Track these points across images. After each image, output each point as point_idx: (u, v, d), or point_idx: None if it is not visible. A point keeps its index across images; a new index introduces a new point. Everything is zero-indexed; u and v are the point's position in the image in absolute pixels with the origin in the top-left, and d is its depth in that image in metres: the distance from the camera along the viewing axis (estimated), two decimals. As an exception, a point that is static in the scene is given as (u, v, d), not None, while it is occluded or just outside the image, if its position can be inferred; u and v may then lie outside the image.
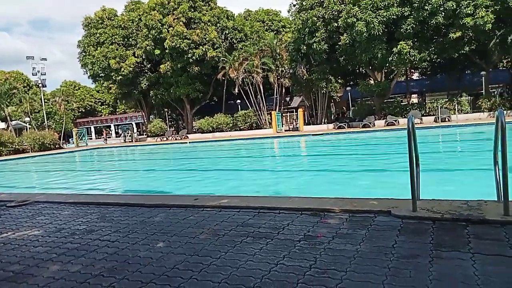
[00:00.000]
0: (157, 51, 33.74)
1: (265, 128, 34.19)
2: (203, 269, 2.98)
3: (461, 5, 23.32)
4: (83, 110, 68.33)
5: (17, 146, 30.91)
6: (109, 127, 66.66)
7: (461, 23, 23.50)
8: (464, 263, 2.67)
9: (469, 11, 23.20)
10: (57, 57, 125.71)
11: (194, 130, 39.35)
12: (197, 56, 32.52)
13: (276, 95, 35.36)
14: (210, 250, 3.42)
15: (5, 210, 6.22)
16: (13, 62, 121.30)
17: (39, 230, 4.68)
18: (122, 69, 34.76)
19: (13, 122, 45.29)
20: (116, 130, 63.91)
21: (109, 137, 41.05)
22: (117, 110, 70.15)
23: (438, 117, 25.83)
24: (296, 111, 34.37)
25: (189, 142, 30.71)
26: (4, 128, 40.62)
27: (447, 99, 29.19)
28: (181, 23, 32.62)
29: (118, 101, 50.52)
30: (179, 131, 39.36)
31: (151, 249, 3.58)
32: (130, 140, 39.48)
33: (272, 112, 33.38)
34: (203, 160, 18.76)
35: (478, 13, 22.86)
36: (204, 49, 32.70)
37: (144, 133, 43.61)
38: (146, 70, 38.48)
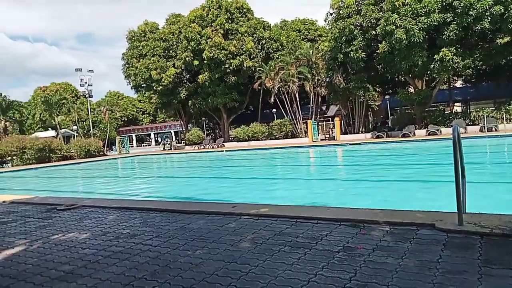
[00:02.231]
0: (196, 62, 34.73)
1: (301, 137, 33.99)
2: (242, 277, 3.01)
3: (509, 8, 22.14)
4: (126, 119, 71.36)
5: (65, 153, 32.75)
6: (149, 135, 69.08)
7: (509, 27, 22.29)
8: (516, 281, 2.52)
9: (519, 15, 21.98)
10: (101, 69, 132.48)
11: (230, 138, 39.87)
12: (234, 66, 33.11)
13: (312, 104, 35.13)
14: (248, 258, 3.45)
15: (55, 213, 6.61)
16: (62, 75, 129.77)
17: (87, 233, 4.94)
18: (163, 80, 36.04)
19: (62, 130, 48.16)
20: (156, 138, 66.08)
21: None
22: (157, 119, 72.65)
23: (484, 127, 24.50)
24: (333, 120, 33.92)
25: (226, 151, 31.14)
26: (54, 136, 43.24)
27: (493, 108, 27.62)
28: (219, 34, 33.42)
29: (158, 110, 52.42)
30: (216, 139, 40.04)
31: (191, 255, 3.67)
32: (169, 148, 40.66)
33: (308, 121, 33.15)
34: (240, 168, 18.94)
35: (529, 16, 21.60)
36: (241, 59, 33.24)
37: (183, 141, 44.76)
38: (185, 81, 39.62)
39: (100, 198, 9.36)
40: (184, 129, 45.36)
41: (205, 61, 33.84)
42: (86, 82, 47.48)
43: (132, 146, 63.53)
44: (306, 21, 44.15)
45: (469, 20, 22.88)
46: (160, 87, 36.76)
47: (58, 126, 47.36)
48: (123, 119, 70.48)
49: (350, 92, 31.51)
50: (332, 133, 33.42)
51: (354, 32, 27.18)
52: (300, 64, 34.07)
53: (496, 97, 32.02)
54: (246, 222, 4.83)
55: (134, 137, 69.12)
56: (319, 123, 37.28)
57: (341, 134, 32.19)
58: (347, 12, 28.10)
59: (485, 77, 32.90)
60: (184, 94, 37.94)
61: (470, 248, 3.22)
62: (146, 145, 67.59)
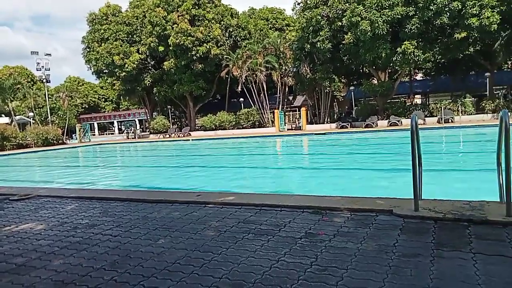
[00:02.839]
0: (161, 48, 33.78)
1: (268, 127, 34.18)
2: (204, 265, 2.99)
3: (466, 5, 23.18)
4: (87, 106, 68.59)
5: (20, 141, 31.05)
6: (112, 123, 66.88)
7: (466, 23, 23.38)
8: (465, 262, 2.67)
9: (475, 12, 23.08)
10: (60, 53, 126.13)
11: (197, 127, 39.40)
12: (201, 53, 32.53)
13: (279, 93, 35.34)
14: (211, 246, 3.44)
15: (8, 203, 6.25)
16: (16, 57, 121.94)
17: (42, 223, 4.71)
18: (126, 66, 34.82)
19: (17, 117, 45.51)
20: (119, 127, 64.10)
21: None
22: (121, 106, 70.35)
23: (442, 118, 25.74)
24: (299, 110, 34.33)
25: (192, 140, 30.76)
26: (7, 123, 40.81)
27: (450, 100, 29.04)
28: (185, 20, 32.62)
29: (121, 97, 50.65)
30: (182, 128, 39.41)
31: (152, 244, 3.59)
32: (133, 136, 39.60)
33: (275, 110, 33.35)
34: (205, 157, 18.80)
35: (484, 13, 22.73)
36: (208, 47, 32.70)
37: (147, 130, 43.72)
38: (150, 67, 38.50)
39: (57, 187, 8.96)
40: (148, 118, 44.26)
41: (170, 48, 32.98)
42: (43, 66, 44.90)
43: (94, 135, 61.31)
44: (274, 10, 44.04)
45: (429, 14, 23.74)
46: (123, 73, 35.50)
47: (12, 112, 44.65)
48: (84, 106, 67.68)
49: (316, 82, 31.97)
50: (299, 123, 33.85)
51: (321, 23, 27.45)
52: (267, 53, 34.05)
53: (453, 90, 33.72)
54: (210, 210, 4.79)
55: (96, 125, 66.67)
56: (286, 113, 37.62)
57: (307, 124, 32.68)
58: (314, 2, 28.29)
59: (443, 71, 34.47)
60: (148, 81, 36.91)
61: (424, 232, 3.37)
62: (109, 134, 65.47)
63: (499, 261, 2.65)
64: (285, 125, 34.18)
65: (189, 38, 32.04)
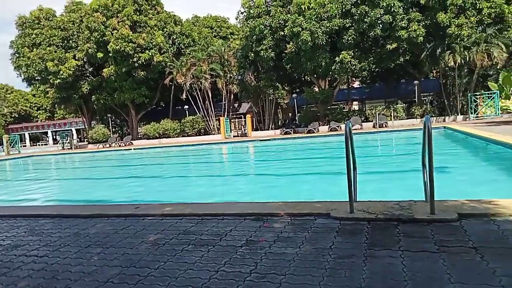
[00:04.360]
0: (100, 54, 32.22)
1: (214, 134, 33.99)
2: (140, 281, 2.85)
3: (396, 18, 25.07)
4: (17, 116, 63.32)
5: None
6: (46, 133, 62.38)
7: (396, 35, 25.28)
8: (394, 260, 2.81)
9: (403, 25, 25.06)
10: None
11: (139, 136, 38.02)
12: (143, 60, 31.55)
13: (225, 101, 35.36)
14: (148, 260, 3.29)
15: None
16: None
17: (-45, 247, 4.20)
18: (61, 72, 32.70)
19: None
20: (54, 137, 59.95)
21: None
22: (55, 115, 65.84)
23: (376, 123, 27.38)
24: (245, 117, 34.57)
25: (134, 149, 29.60)
26: None
27: (384, 106, 31.03)
28: (126, 26, 31.50)
29: (56, 106, 47.34)
30: (123, 137, 37.80)
31: (83, 263, 3.36)
32: (69, 147, 37.15)
33: (221, 118, 33.27)
34: (148, 167, 18.17)
35: (411, 26, 24.76)
36: (150, 54, 31.81)
37: (85, 139, 41.32)
38: (88, 74, 36.53)
39: (-21, 206, 8.09)
40: (87, 127, 41.87)
41: (110, 54, 31.58)
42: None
43: (25, 146, 56.70)
44: (218, 18, 44.14)
45: (364, 26, 25.29)
46: (58, 80, 33.27)
47: None
48: (13, 116, 62.39)
49: (260, 90, 32.49)
50: (244, 130, 34.07)
51: (264, 32, 28.02)
52: (212, 61, 33.98)
53: (387, 97, 36.08)
54: (149, 223, 4.61)
55: (27, 136, 61.70)
56: (232, 120, 37.68)
57: (252, 130, 32.99)
58: (257, 12, 28.83)
59: (377, 79, 36.86)
60: (86, 88, 34.97)
61: (358, 233, 3.52)
62: (42, 144, 60.85)
63: (424, 257, 2.83)
64: (231, 132, 34.21)
65: (130, 44, 30.95)
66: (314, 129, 28.59)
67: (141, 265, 3.20)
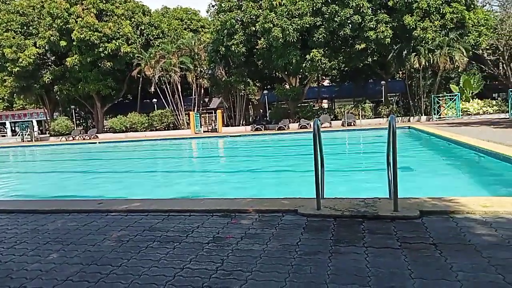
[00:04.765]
0: (63, 43, 30.77)
1: (183, 129, 33.48)
2: (101, 279, 2.75)
3: (365, 19, 25.66)
4: (-30, 105, 59.50)
5: None
6: (4, 124, 59.09)
7: (365, 35, 25.86)
8: (358, 256, 2.87)
9: (372, 26, 25.69)
10: None
11: (105, 129, 36.79)
12: (109, 50, 30.45)
13: (195, 95, 34.86)
14: (111, 258, 3.18)
15: None
16: None
17: None
18: (20, 60, 30.96)
19: None
20: (13, 128, 56.92)
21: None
22: (14, 105, 62.41)
23: (345, 122, 27.99)
24: (215, 112, 34.27)
25: (99, 142, 28.63)
26: None
27: (353, 105, 31.75)
28: (91, 14, 30.27)
29: (15, 95, 44.88)
30: (88, 130, 36.44)
31: (41, 261, 3.20)
32: (30, 139, 35.39)
33: (190, 112, 32.80)
34: (113, 161, 17.63)
35: (379, 28, 25.42)
36: (117, 44, 30.76)
37: (47, 132, 39.51)
38: (50, 63, 34.85)
39: None
40: (49, 118, 40.02)
41: (74, 43, 30.24)
42: None
43: (-20, 137, 53.43)
44: (189, 10, 43.31)
45: (334, 25, 25.68)
46: (17, 68, 31.48)
47: None
48: (-34, 105, 58.59)
49: (231, 85, 32.29)
50: (215, 125, 33.80)
51: (235, 27, 27.83)
52: (182, 54, 33.35)
53: (355, 96, 36.92)
54: (113, 219, 4.46)
55: (-18, 126, 58.18)
56: (202, 115, 37.24)
57: (223, 126, 32.79)
58: (228, 6, 28.57)
59: (347, 78, 37.62)
60: (48, 78, 33.34)
61: (325, 230, 3.57)
62: (0, 136, 57.58)
63: (387, 253, 2.91)
64: (201, 127, 33.83)
65: (96, 33, 29.78)
66: (285, 126, 28.82)
67: (103, 262, 3.09)
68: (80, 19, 29.78)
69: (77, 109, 38.55)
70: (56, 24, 30.17)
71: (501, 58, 33.35)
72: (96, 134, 33.73)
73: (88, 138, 32.80)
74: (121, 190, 8.98)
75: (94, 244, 3.57)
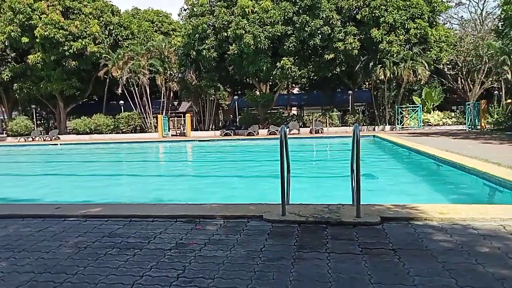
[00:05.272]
0: (25, 39, 29.42)
1: (150, 132, 32.80)
2: (54, 288, 2.61)
3: (334, 30, 26.39)
4: None
5: None
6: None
7: (334, 46, 26.59)
8: (321, 262, 2.89)
9: (341, 37, 26.44)
10: None
11: (68, 131, 35.40)
12: (75, 49, 29.44)
13: (164, 98, 34.28)
14: (66, 265, 3.03)
15: None
16: None
17: None
18: (-23, 55, 29.39)
19: None
20: (-34, 127, 53.47)
21: None
22: (-31, 103, 58.79)
23: (313, 129, 28.49)
24: (184, 116, 33.86)
25: (61, 144, 27.48)
26: None
27: (321, 113, 32.39)
28: (57, 11, 29.19)
29: (-30, 92, 42.34)
30: (49, 131, 34.91)
31: (-12, 269, 2.99)
32: (-16, 139, 33.42)
33: (158, 115, 32.23)
34: (74, 164, 16.96)
35: (348, 39, 26.20)
36: (83, 43, 29.81)
37: (4, 131, 37.47)
38: (10, 59, 33.22)
39: None
40: (6, 118, 38.01)
41: (37, 40, 29.01)
42: None
43: None
44: (160, 12, 42.73)
45: (305, 35, 26.19)
46: (-27, 64, 29.84)
47: None
48: None
49: (201, 89, 32.08)
50: (183, 129, 33.37)
51: (207, 31, 27.74)
52: (151, 56, 32.78)
53: (323, 104, 37.69)
54: (71, 224, 4.26)
55: None
56: (171, 119, 36.68)
57: (192, 130, 32.44)
58: (201, 11, 28.47)
59: (316, 87, 38.35)
60: (7, 75, 31.75)
61: (289, 236, 3.58)
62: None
63: (348, 259, 2.95)
64: (169, 131, 33.29)
65: (61, 31, 28.73)
66: (254, 131, 28.92)
67: (58, 270, 2.93)
68: (45, 15, 28.67)
69: (38, 109, 36.92)
70: (18, 19, 28.86)
71: (459, 73, 35.34)
72: (58, 136, 32.37)
73: (49, 139, 31.42)
74: (81, 194, 8.62)
75: (49, 251, 3.39)
